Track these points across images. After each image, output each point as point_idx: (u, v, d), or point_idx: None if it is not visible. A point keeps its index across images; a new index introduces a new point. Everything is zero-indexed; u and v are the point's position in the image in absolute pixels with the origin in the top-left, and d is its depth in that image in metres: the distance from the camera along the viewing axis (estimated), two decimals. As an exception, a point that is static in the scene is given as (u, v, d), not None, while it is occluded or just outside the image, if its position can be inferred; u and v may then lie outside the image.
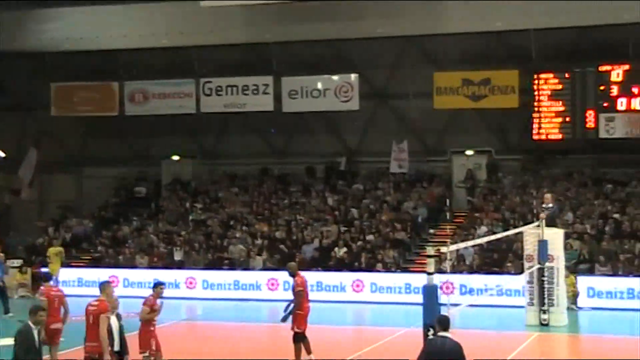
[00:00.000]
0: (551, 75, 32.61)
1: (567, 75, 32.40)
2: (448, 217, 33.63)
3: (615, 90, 31.63)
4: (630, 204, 31.30)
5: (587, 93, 32.07)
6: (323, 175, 37.65)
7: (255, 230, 33.65)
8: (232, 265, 31.92)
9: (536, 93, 32.65)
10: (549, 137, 32.73)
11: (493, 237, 25.03)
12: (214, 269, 31.58)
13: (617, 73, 31.59)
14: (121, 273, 31.37)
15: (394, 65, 36.18)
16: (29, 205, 40.39)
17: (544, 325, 23.40)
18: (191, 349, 20.88)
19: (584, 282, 27.19)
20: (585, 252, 28.80)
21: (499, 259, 29.44)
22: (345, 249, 31.31)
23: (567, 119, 32.37)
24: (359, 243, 31.75)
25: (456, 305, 19.27)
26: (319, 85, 35.54)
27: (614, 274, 27.79)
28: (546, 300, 23.47)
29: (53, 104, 38.21)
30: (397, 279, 29.22)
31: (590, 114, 32.02)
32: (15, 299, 29.69)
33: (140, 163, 40.00)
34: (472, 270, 29.15)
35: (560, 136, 32.61)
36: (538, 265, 23.44)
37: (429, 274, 14.47)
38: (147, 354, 15.12)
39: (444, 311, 15.22)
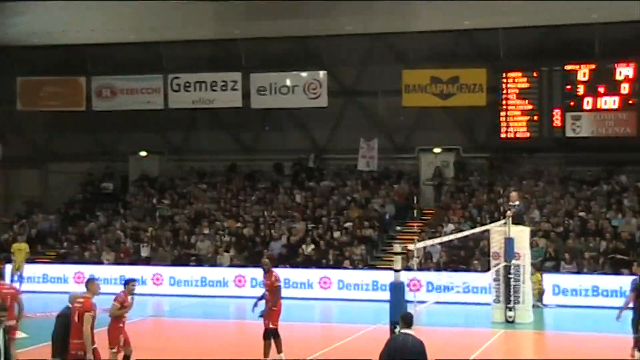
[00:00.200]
0: (519, 74, 32.80)
1: (534, 74, 32.60)
2: (415, 214, 33.69)
3: (581, 90, 31.87)
4: (596, 203, 31.56)
5: (554, 92, 32.29)
6: (291, 172, 37.63)
7: (222, 226, 33.57)
8: (199, 262, 31.80)
9: (504, 91, 32.82)
10: (517, 135, 32.92)
11: (460, 235, 25.17)
12: (181, 266, 31.45)
13: (583, 72, 31.83)
14: (87, 269, 31.12)
15: (363, 62, 36.24)
16: (-6, 200, 40.11)
17: (509, 322, 23.54)
18: (158, 345, 20.78)
19: (549, 280, 27.38)
20: (551, 250, 29.00)
21: (466, 256, 29.59)
22: (312, 246, 31.32)
23: (535, 118, 32.58)
24: (327, 240, 31.76)
25: (423, 302, 19.34)
26: (288, 82, 35.50)
27: (579, 272, 28.00)
28: (512, 298, 23.61)
29: (19, 99, 37.87)
30: (365, 276, 29.27)
31: (557, 113, 32.26)
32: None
33: (108, 159, 39.80)
34: (439, 268, 29.27)
35: (527, 135, 32.82)
36: (504, 263, 23.56)
37: (396, 271, 14.49)
38: (115, 350, 15.01)
39: (410, 308, 15.29)
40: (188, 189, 37.44)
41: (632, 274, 27.23)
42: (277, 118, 37.64)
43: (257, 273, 29.26)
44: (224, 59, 36.96)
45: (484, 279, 25.56)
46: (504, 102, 32.80)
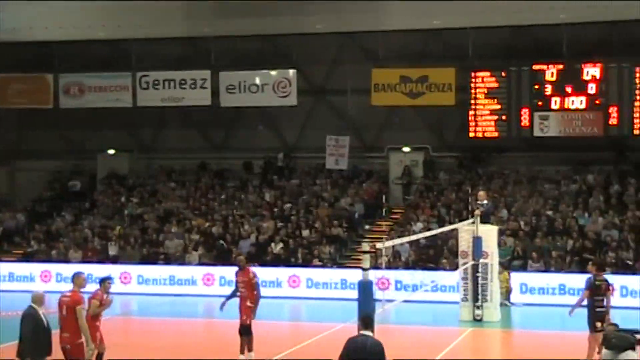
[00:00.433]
0: (487, 73, 32.92)
1: (503, 73, 32.74)
2: (384, 213, 33.81)
3: (549, 89, 32.07)
4: (563, 202, 31.81)
5: (522, 92, 32.46)
6: (260, 170, 37.58)
7: (191, 225, 33.46)
8: (168, 260, 31.69)
9: (473, 91, 32.95)
10: (485, 134, 33.06)
11: (429, 234, 25.26)
12: (149, 264, 31.31)
13: (551, 72, 32.03)
14: (54, 268, 30.96)
15: (333, 61, 36.28)
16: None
17: (477, 320, 23.67)
18: (126, 344, 20.66)
19: (517, 279, 27.55)
20: (518, 249, 29.18)
21: (434, 255, 29.70)
22: (281, 245, 31.31)
23: (503, 117, 32.72)
24: (296, 239, 31.76)
25: (391, 301, 19.39)
26: (257, 81, 35.42)
27: (546, 270, 28.20)
28: (480, 296, 23.74)
29: (-15, 96, 37.54)
30: (333, 274, 29.30)
31: (525, 113, 32.42)
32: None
33: (76, 157, 39.49)
34: (407, 266, 29.35)
35: (495, 134, 32.97)
36: (472, 262, 23.67)
37: (365, 269, 14.49)
38: (93, 347, 14.98)
39: (379, 307, 15.32)
40: (157, 187, 37.29)
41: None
42: (246, 116, 37.55)
43: (226, 271, 29.35)
44: (194, 57, 36.82)
45: (452, 278, 25.67)
46: (472, 102, 32.93)
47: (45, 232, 34.88)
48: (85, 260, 31.83)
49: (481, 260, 23.67)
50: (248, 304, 18.08)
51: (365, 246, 14.88)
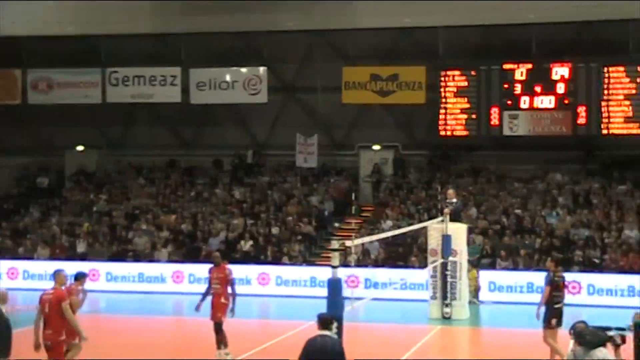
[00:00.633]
0: (457, 72, 33.03)
1: (473, 72, 32.85)
2: (354, 211, 33.86)
3: (518, 89, 32.24)
4: (532, 201, 32.00)
5: (491, 91, 32.59)
6: (230, 167, 37.49)
7: (160, 222, 33.32)
8: (137, 258, 31.54)
9: (443, 90, 33.04)
10: (455, 133, 33.17)
11: (398, 232, 25.29)
12: (118, 261, 31.16)
13: (520, 72, 32.20)
14: (21, 265, 30.74)
15: (303, 59, 36.24)
16: None
17: (446, 318, 23.75)
18: (93, 342, 20.47)
19: (485, 277, 27.68)
20: (487, 247, 29.32)
21: (404, 253, 29.76)
22: (251, 242, 31.25)
23: (473, 116, 32.85)
24: (265, 236, 31.71)
25: (360, 298, 19.40)
26: (228, 78, 35.33)
27: (515, 269, 28.35)
28: (449, 294, 23.83)
29: (-48, 91, 37.12)
30: (303, 272, 29.29)
31: (494, 112, 32.56)
32: None
33: (44, 153, 39.21)
34: (377, 264, 29.39)
35: (465, 133, 33.09)
36: (441, 260, 23.75)
37: (334, 267, 14.49)
38: (75, 342, 14.98)
39: (348, 305, 15.33)
40: (126, 184, 37.10)
41: (566, 270, 27.71)
42: (216, 114, 37.45)
43: (195, 269, 29.32)
44: (164, 54, 36.65)
45: (422, 276, 25.74)
46: (442, 100, 33.03)
47: (12, 229, 34.58)
48: (53, 258, 31.57)
49: (450, 259, 23.75)
50: (222, 300, 18.16)
51: (335, 244, 14.88)
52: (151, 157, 38.34)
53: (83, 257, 31.79)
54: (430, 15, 31.31)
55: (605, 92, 31.56)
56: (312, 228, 32.33)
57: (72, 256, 31.83)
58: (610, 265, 27.96)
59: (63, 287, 14.84)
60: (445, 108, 33.04)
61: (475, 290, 26.98)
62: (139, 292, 29.54)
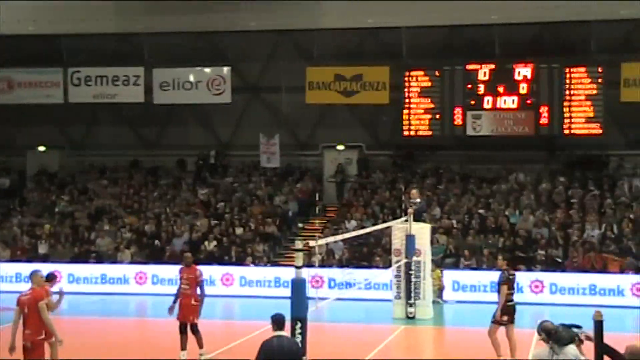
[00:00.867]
0: (421, 72, 33.13)
1: (436, 73, 32.95)
2: (318, 211, 33.87)
3: (482, 89, 32.41)
4: (495, 200, 32.18)
5: (455, 91, 32.73)
6: (194, 168, 37.34)
7: (124, 223, 33.09)
8: (100, 259, 31.29)
9: (406, 90, 33.13)
10: (419, 133, 33.26)
11: (362, 232, 25.31)
12: (80, 263, 30.87)
13: (484, 72, 32.36)
14: (-20, 266, 30.35)
15: (267, 59, 36.17)
16: None
17: (410, 318, 23.82)
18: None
19: (449, 276, 27.76)
20: (451, 247, 29.44)
21: (368, 253, 29.79)
22: (215, 243, 31.13)
23: (437, 116, 32.96)
24: (229, 237, 31.60)
25: (324, 299, 19.39)
26: (191, 78, 35.21)
27: (478, 268, 28.48)
28: (413, 294, 23.89)
29: None
30: (267, 272, 29.22)
31: (458, 112, 32.70)
32: None
33: (4, 153, 38.79)
34: (341, 264, 29.38)
35: (429, 133, 33.19)
36: (405, 260, 23.81)
37: (297, 267, 14.46)
38: (53, 340, 14.92)
39: (312, 305, 15.30)
40: (88, 184, 36.81)
41: (529, 269, 27.95)
42: (180, 114, 37.27)
43: (159, 270, 29.16)
44: (127, 54, 36.41)
45: (386, 276, 25.79)
46: (406, 101, 33.11)
47: (-28, 230, 34.20)
48: (13, 259, 31.26)
49: (414, 258, 23.82)
50: (193, 302, 18.24)
51: (299, 244, 14.86)
52: (114, 158, 38.09)
53: (44, 259, 31.46)
54: (394, 16, 31.38)
55: (567, 92, 31.83)
56: (276, 228, 32.27)
57: (34, 258, 31.49)
58: (572, 264, 28.17)
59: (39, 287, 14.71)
60: (409, 108, 33.11)
61: (439, 290, 27.05)
62: (101, 294, 29.29)
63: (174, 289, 19.50)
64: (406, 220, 23.99)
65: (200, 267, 18.93)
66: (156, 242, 31.82)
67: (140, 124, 38.09)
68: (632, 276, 26.95)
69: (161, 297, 18.56)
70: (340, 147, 36.20)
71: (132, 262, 30.78)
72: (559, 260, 28.51)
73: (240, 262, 30.17)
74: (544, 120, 32.03)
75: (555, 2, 28.51)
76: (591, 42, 32.43)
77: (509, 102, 32.16)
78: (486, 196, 32.64)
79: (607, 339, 11.36)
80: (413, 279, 23.86)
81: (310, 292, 15.73)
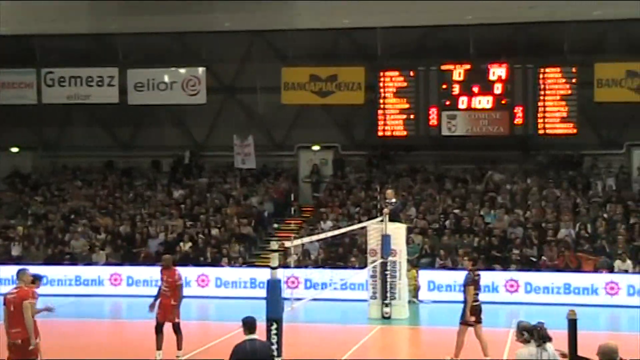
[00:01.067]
0: (396, 73, 33.21)
1: (411, 73, 33.05)
2: (294, 212, 33.83)
3: (456, 89, 32.52)
4: (470, 200, 32.27)
5: (430, 91, 32.82)
6: (169, 169, 37.20)
7: (98, 224, 32.91)
8: (74, 260, 31.09)
9: (381, 90, 33.19)
10: (394, 133, 33.35)
11: (338, 232, 25.30)
12: (54, 264, 30.61)
13: (458, 72, 32.49)
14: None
15: (242, 59, 36.11)
16: None
17: (386, 318, 23.85)
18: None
19: (425, 276, 27.80)
20: (427, 247, 29.49)
21: (344, 253, 29.79)
22: (190, 244, 31.02)
23: (411, 116, 33.05)
24: (205, 237, 31.51)
25: (300, 299, 19.36)
26: (166, 78, 35.13)
27: (454, 268, 28.54)
28: (388, 294, 23.93)
29: None
30: (243, 273, 29.16)
31: (433, 112, 32.80)
32: None
33: (-23, 155, 38.52)
34: (317, 265, 29.36)
35: (404, 133, 33.28)
36: (381, 260, 23.83)
37: (273, 268, 14.44)
38: (38, 341, 14.98)
39: (287, 305, 15.28)
40: (62, 186, 36.58)
41: (504, 269, 28.06)
42: (155, 115, 37.13)
43: (133, 271, 29.03)
44: (101, 54, 36.24)
45: (361, 276, 25.79)
46: (381, 101, 33.16)
47: (-56, 232, 33.87)
48: (-14, 261, 30.99)
49: (390, 258, 23.85)
50: (172, 302, 18.42)
51: (274, 245, 14.84)
52: (88, 159, 37.89)
53: (18, 261, 31.17)
54: (368, 16, 31.38)
55: (542, 92, 32.03)
56: (252, 229, 32.22)
57: (7, 260, 31.20)
58: (546, 263, 28.31)
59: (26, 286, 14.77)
60: (384, 108, 33.19)
61: (414, 290, 27.10)
62: (76, 295, 29.09)
63: (149, 290, 19.51)
64: (382, 221, 24.01)
65: (179, 270, 18.91)
66: (129, 243, 31.65)
67: (114, 124, 37.92)
68: (606, 275, 27.13)
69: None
70: (316, 148, 36.20)
71: (106, 264, 30.61)
72: (534, 259, 28.63)
73: (215, 263, 30.07)
74: (518, 120, 32.21)
75: (529, 3, 28.62)
76: (565, 42, 32.62)
77: (484, 102, 32.30)
78: (461, 196, 32.73)
79: (580, 338, 11.45)
80: (389, 279, 23.89)
81: (285, 292, 15.71)
